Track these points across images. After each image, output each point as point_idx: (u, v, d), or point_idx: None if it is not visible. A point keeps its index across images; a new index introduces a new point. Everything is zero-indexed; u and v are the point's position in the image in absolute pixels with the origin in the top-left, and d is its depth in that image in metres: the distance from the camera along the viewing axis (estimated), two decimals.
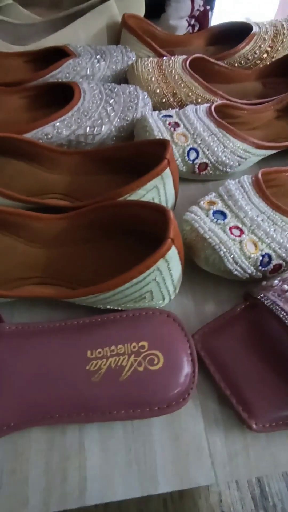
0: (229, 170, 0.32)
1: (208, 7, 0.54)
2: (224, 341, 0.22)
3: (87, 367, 0.20)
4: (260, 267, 0.23)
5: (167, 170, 0.25)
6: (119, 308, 0.23)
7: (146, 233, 0.24)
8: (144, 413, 0.19)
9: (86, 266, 0.25)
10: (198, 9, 0.52)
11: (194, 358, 0.21)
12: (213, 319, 0.23)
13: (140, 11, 0.48)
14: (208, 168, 0.31)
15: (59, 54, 0.40)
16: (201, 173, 0.32)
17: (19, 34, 0.46)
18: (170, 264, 0.21)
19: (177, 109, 0.33)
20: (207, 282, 0.26)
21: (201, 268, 0.25)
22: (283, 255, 0.24)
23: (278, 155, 0.35)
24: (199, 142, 0.30)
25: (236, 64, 0.44)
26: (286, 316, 0.20)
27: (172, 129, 0.30)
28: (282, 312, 0.21)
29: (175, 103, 0.37)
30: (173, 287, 0.23)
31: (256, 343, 0.22)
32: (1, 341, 0.21)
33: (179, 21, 0.52)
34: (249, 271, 0.23)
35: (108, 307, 0.23)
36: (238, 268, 0.23)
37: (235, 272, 0.23)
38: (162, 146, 0.26)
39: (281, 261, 0.24)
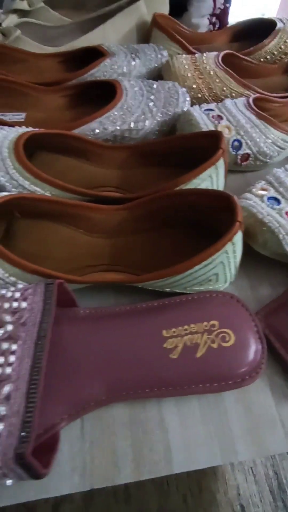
0: (268, 160, 0.33)
1: (228, 5, 0.55)
2: (286, 319, 0.23)
3: (164, 345, 0.21)
4: None
5: (221, 160, 0.26)
6: (184, 292, 0.24)
7: (202, 221, 0.26)
8: (220, 387, 0.20)
9: (147, 253, 0.26)
10: (219, 8, 0.53)
11: (261, 335, 0.22)
12: (273, 300, 0.24)
13: (164, 10, 0.50)
14: (250, 158, 0.33)
15: (92, 54, 0.41)
16: (243, 163, 0.33)
17: (48, 36, 0.48)
18: (236, 247, 0.22)
19: (216, 103, 0.34)
20: (260, 266, 0.27)
21: (253, 253, 0.27)
22: None
23: None
24: (242, 134, 0.31)
25: (261, 59, 0.46)
26: None
27: (216, 121, 0.31)
28: None
29: (210, 97, 0.38)
30: (236, 270, 0.24)
31: None
32: (78, 324, 0.22)
33: (201, 19, 0.53)
34: None
35: (172, 290, 0.24)
36: None
37: None
38: (214, 137, 0.27)
39: None
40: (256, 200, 0.25)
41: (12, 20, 0.45)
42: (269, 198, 0.26)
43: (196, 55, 0.40)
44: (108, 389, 0.20)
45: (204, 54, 0.39)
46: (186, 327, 0.22)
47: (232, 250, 0.22)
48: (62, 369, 0.20)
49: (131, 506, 1.14)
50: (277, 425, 0.21)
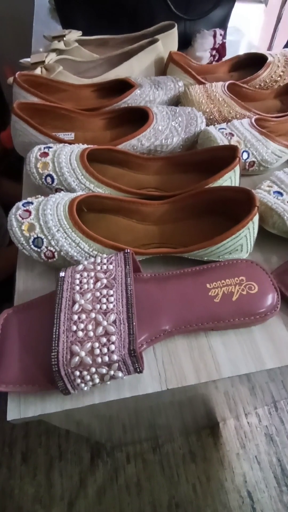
0: (269, 166, 0.43)
1: (225, 40, 0.66)
2: None
3: (209, 294, 0.30)
4: None
5: (238, 166, 0.36)
6: (218, 260, 0.33)
7: (227, 210, 0.35)
8: (250, 321, 0.29)
9: (186, 235, 0.35)
10: (219, 43, 0.64)
11: (276, 287, 0.31)
12: (282, 264, 0.34)
13: (174, 47, 0.60)
14: (255, 165, 0.42)
15: (121, 85, 0.51)
16: (250, 169, 0.43)
17: (81, 69, 0.58)
18: (254, 225, 0.31)
19: (226, 123, 0.44)
20: (270, 243, 0.36)
21: (265, 233, 0.36)
22: None
23: None
24: (249, 146, 0.41)
25: (256, 86, 0.56)
26: None
27: (229, 137, 0.41)
28: None
29: (220, 119, 0.48)
30: (253, 242, 0.33)
31: None
32: (144, 283, 0.31)
33: (203, 53, 0.64)
34: None
35: (209, 259, 0.33)
36: None
37: None
38: (232, 149, 0.36)
39: None
40: (265, 194, 0.35)
41: (52, 57, 0.54)
42: (274, 192, 0.35)
43: (207, 85, 0.50)
44: (173, 324, 0.28)
45: (213, 84, 0.50)
46: (222, 281, 0.30)
47: (252, 227, 0.31)
48: (140, 310, 0.29)
49: (143, 498, 1.20)
50: None
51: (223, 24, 0.72)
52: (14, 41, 0.87)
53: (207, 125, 0.47)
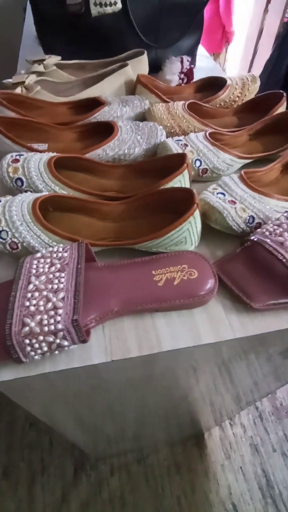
0: (221, 173, 0.48)
1: (192, 66, 0.73)
2: (231, 265, 0.36)
3: (154, 278, 0.34)
4: (248, 224, 0.39)
5: (186, 171, 0.41)
6: (165, 251, 0.37)
7: (174, 208, 0.39)
8: (189, 302, 0.33)
9: (139, 230, 0.39)
10: (186, 68, 0.71)
11: (215, 274, 0.35)
12: (223, 256, 0.38)
13: (145, 70, 0.67)
14: (208, 172, 0.47)
15: (93, 103, 0.57)
16: (203, 175, 0.47)
17: (59, 89, 0.63)
18: (196, 220, 0.36)
19: (183, 136, 0.49)
20: (217, 238, 0.41)
21: (212, 231, 0.40)
22: (261, 217, 0.39)
23: (252, 164, 0.51)
24: (201, 155, 0.46)
25: (217, 105, 0.62)
26: (272, 247, 0.35)
27: (184, 148, 0.46)
28: (268, 245, 0.35)
29: (180, 132, 0.53)
30: (197, 236, 0.37)
31: (251, 266, 0.36)
32: (98, 270, 0.35)
33: (172, 76, 0.70)
34: (242, 226, 0.39)
35: (158, 250, 0.37)
36: (235, 224, 0.38)
37: (234, 227, 0.38)
38: (181, 157, 0.41)
39: (260, 221, 0.39)
40: (209, 194, 0.39)
41: (32, 78, 0.60)
42: (218, 193, 0.40)
43: (170, 103, 0.56)
44: (120, 305, 0.32)
45: (175, 103, 0.55)
46: (167, 268, 0.34)
47: (194, 222, 0.36)
48: (91, 293, 0.32)
49: (127, 510, 1.18)
50: (226, 324, 0.33)
51: (192, 52, 0.80)
52: (3, 66, 0.95)
53: (168, 137, 0.52)
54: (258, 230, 0.37)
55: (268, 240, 0.35)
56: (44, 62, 0.62)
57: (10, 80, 0.60)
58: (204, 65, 0.84)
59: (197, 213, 0.36)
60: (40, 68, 0.61)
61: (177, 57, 0.70)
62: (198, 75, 0.82)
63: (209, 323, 0.33)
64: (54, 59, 0.64)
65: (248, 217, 0.39)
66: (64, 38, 0.66)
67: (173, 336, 0.32)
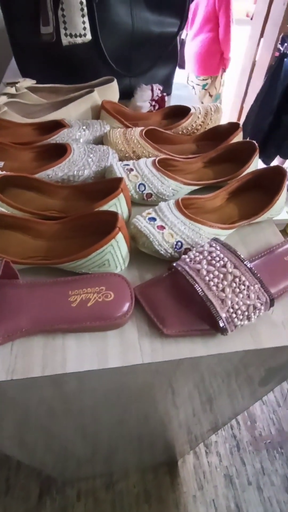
0: (167, 198, 0.49)
1: (165, 94, 0.76)
2: (153, 290, 0.37)
3: (69, 299, 0.34)
4: (176, 249, 0.39)
5: (121, 195, 0.42)
6: (90, 272, 0.37)
7: (105, 231, 0.40)
8: (102, 324, 0.33)
9: (70, 251, 0.40)
10: (157, 95, 0.74)
11: (132, 297, 0.35)
12: (146, 281, 0.38)
13: (115, 98, 0.70)
14: (153, 196, 0.48)
15: (58, 125, 0.59)
16: (148, 199, 0.49)
17: (29, 111, 0.66)
18: (119, 243, 0.37)
19: (134, 161, 0.51)
20: (148, 261, 0.41)
21: (145, 253, 0.41)
22: (190, 243, 0.40)
23: (202, 189, 0.52)
24: (146, 180, 0.47)
25: (180, 132, 0.65)
26: (188, 274, 0.35)
27: (128, 172, 0.48)
28: (185, 272, 0.36)
29: (134, 156, 0.55)
30: (122, 259, 0.38)
31: (172, 292, 0.37)
32: (18, 287, 0.35)
33: (143, 103, 0.73)
34: (170, 251, 0.39)
35: (81, 271, 0.37)
36: (162, 249, 0.39)
37: (161, 252, 0.39)
38: (118, 181, 0.42)
39: (189, 247, 0.40)
40: (141, 219, 0.40)
41: (2, 100, 0.63)
42: (149, 218, 0.41)
43: (128, 129, 0.58)
44: (31, 323, 0.32)
45: (133, 129, 0.57)
46: (84, 289, 0.35)
47: (116, 245, 0.36)
48: (4, 309, 0.33)
49: None
50: (137, 348, 0.33)
51: (167, 80, 0.83)
52: None
53: (123, 160, 0.54)
54: (183, 256, 0.38)
55: (186, 267, 0.35)
56: (17, 85, 0.65)
57: None
58: (180, 93, 0.88)
59: (120, 236, 0.36)
60: (12, 90, 0.64)
61: (148, 86, 0.73)
62: (173, 102, 0.86)
63: (120, 346, 0.33)
64: (28, 82, 0.67)
65: (175, 242, 0.39)
66: (39, 64, 0.70)
67: (80, 358, 0.32)
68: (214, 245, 0.37)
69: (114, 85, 0.68)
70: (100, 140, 0.59)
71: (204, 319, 0.35)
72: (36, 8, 0.59)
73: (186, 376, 0.38)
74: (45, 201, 0.47)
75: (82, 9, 0.60)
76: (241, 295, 0.33)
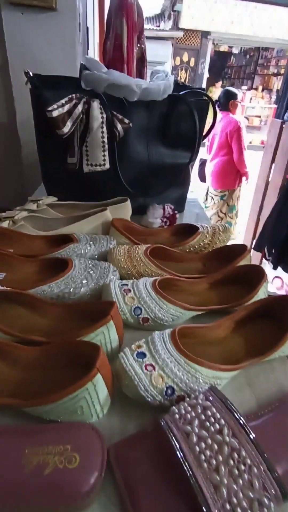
0: (165, 323, 0.45)
1: (176, 212, 0.80)
2: (131, 452, 0.29)
3: (22, 461, 0.27)
4: (166, 396, 0.33)
5: (111, 322, 0.38)
6: (59, 420, 0.31)
7: (85, 365, 0.35)
8: (56, 504, 0.25)
9: (43, 384, 0.35)
10: (168, 213, 0.78)
11: (104, 463, 0.28)
12: (127, 436, 0.31)
13: (128, 215, 0.74)
14: (150, 321, 0.44)
15: (67, 239, 0.61)
16: (145, 324, 0.45)
17: (45, 225, 0.70)
18: (97, 387, 0.31)
19: (134, 281, 0.49)
20: (134, 406, 0.34)
21: (127, 398, 0.35)
22: (184, 389, 0.33)
23: (206, 314, 0.48)
24: (142, 303, 0.44)
25: (187, 250, 0.64)
26: (175, 439, 0.28)
27: (125, 293, 0.45)
28: (171, 435, 0.28)
29: (136, 274, 0.54)
30: (100, 406, 0.32)
31: (156, 457, 0.29)
32: None
33: (155, 219, 0.77)
34: (158, 399, 0.33)
35: (50, 418, 0.31)
36: (149, 395, 0.33)
37: (148, 399, 0.33)
38: (109, 305, 0.40)
39: (183, 394, 0.33)
40: (128, 354, 0.35)
41: (22, 214, 0.68)
42: (139, 353, 0.36)
43: (135, 245, 0.59)
44: None
45: (139, 246, 0.58)
46: (45, 447, 0.28)
47: (94, 389, 0.31)
48: None
49: None
50: None
51: (180, 200, 0.89)
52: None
53: (124, 278, 0.53)
54: (173, 408, 0.31)
55: (174, 428, 0.28)
56: (39, 202, 0.71)
57: (3, 213, 0.68)
58: (193, 210, 0.93)
59: (98, 379, 0.31)
60: (33, 206, 0.70)
61: (160, 205, 0.78)
62: (186, 218, 0.90)
63: None
64: (50, 199, 0.74)
65: (165, 388, 0.33)
66: (63, 186, 0.78)
67: None
68: (211, 399, 0.30)
69: (127, 204, 0.73)
70: (106, 256, 0.59)
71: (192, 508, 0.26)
72: (65, 144, 0.69)
73: None
74: (33, 319, 0.45)
75: (103, 146, 0.69)
76: (240, 481, 0.25)
